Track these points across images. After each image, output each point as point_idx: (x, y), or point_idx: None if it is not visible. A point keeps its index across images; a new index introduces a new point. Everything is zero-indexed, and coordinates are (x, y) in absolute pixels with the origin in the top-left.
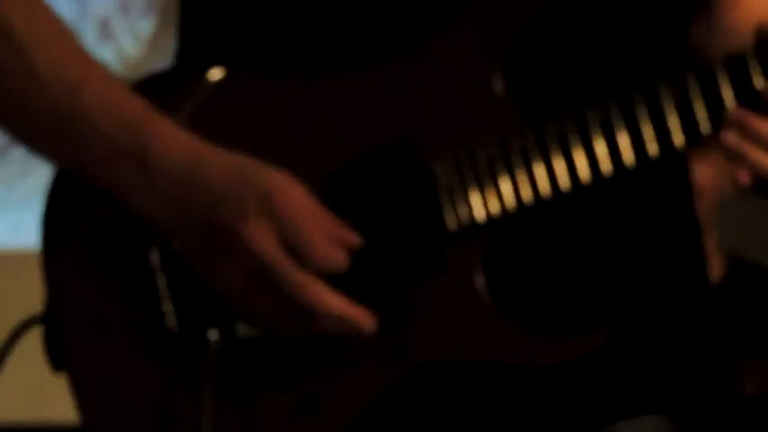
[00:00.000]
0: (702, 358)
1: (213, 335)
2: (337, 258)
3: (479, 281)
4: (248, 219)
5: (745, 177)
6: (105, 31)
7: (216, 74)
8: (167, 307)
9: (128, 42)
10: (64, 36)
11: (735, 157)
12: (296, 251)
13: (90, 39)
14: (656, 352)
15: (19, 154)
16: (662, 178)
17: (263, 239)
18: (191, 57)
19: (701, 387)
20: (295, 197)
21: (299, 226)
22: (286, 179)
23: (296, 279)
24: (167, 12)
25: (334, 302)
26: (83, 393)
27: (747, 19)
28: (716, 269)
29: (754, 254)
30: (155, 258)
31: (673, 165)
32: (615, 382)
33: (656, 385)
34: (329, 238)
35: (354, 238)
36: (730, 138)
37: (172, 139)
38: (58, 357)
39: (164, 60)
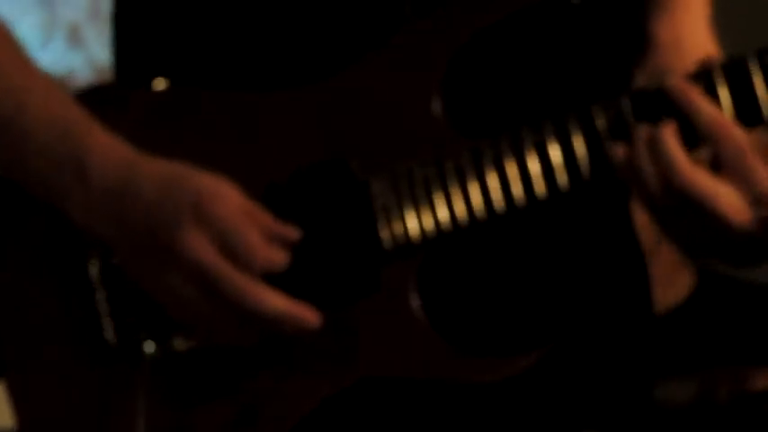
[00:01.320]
0: (639, 373)
1: (150, 347)
2: (277, 256)
3: (414, 300)
4: (183, 226)
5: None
6: (75, 37)
7: (159, 84)
8: (105, 319)
9: (98, 49)
10: (6, 41)
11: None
12: (234, 254)
13: (60, 45)
14: (593, 365)
15: None
16: (601, 202)
17: (199, 246)
18: (129, 71)
19: (638, 402)
20: (228, 199)
21: (234, 228)
22: (218, 182)
23: (236, 282)
24: None
25: (278, 301)
26: (20, 402)
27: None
28: (678, 289)
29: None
30: (93, 270)
31: (612, 189)
32: (552, 396)
33: (594, 401)
34: (267, 236)
35: (292, 233)
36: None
37: (108, 150)
38: None
39: None
